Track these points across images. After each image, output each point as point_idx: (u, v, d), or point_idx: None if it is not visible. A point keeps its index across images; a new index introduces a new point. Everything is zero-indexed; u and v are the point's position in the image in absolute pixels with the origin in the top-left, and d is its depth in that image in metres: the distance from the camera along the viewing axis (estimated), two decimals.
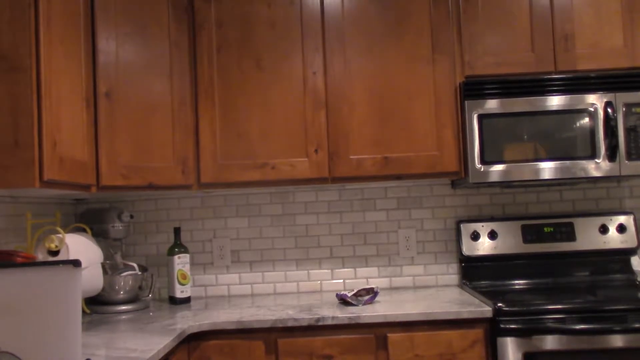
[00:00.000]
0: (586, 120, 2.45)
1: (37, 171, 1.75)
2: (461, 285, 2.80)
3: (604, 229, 2.75)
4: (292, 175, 2.53)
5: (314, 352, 2.21)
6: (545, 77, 2.47)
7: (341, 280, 2.87)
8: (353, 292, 2.47)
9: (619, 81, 2.45)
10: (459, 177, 2.55)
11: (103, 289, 2.41)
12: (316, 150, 2.53)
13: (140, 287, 2.64)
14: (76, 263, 1.41)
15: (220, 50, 2.57)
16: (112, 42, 2.30)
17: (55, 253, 2.12)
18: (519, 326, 2.15)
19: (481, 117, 2.45)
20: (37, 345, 1.35)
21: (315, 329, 2.23)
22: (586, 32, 2.51)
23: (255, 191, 2.87)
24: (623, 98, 2.44)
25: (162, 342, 1.88)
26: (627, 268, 2.74)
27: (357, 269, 2.87)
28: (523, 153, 2.45)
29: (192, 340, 2.20)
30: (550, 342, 2.14)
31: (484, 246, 2.75)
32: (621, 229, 2.74)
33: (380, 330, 2.23)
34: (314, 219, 2.88)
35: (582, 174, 2.44)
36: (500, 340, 2.16)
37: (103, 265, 2.41)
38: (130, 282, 2.54)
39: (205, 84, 2.56)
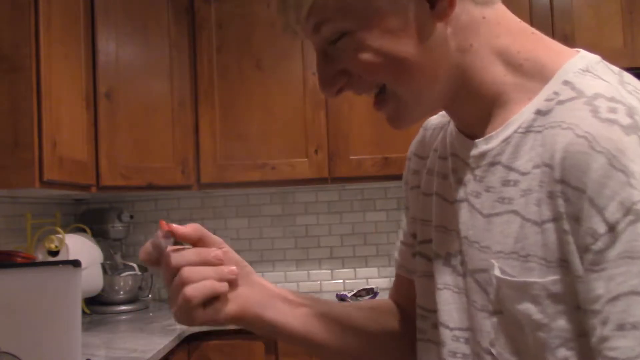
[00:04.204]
0: None
1: (37, 171, 1.75)
2: None
3: None
4: (292, 175, 2.53)
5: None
6: None
7: (341, 281, 2.87)
8: (353, 293, 2.47)
9: None
10: None
11: (103, 289, 2.41)
12: (316, 151, 2.53)
13: (140, 288, 2.63)
14: (76, 263, 1.41)
15: (220, 50, 2.57)
16: (112, 42, 2.30)
17: (55, 253, 2.11)
18: None
19: None
20: (37, 345, 1.35)
21: None
22: (586, 32, 2.50)
23: (255, 191, 2.87)
24: None
25: (162, 342, 1.88)
26: None
27: (357, 269, 2.87)
28: None
29: (192, 340, 2.20)
30: None
31: None
32: None
33: None
34: (314, 219, 2.88)
35: None
36: None
37: (103, 265, 2.41)
38: (130, 283, 2.54)
39: (205, 85, 2.56)
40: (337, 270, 2.87)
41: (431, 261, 0.71)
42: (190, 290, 0.62)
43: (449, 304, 0.66)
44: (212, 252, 0.65)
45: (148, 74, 2.44)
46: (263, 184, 2.56)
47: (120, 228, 2.60)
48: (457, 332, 0.65)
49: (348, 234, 2.88)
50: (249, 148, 2.54)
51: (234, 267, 0.66)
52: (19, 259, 1.84)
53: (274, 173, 2.53)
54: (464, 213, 0.64)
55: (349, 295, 2.45)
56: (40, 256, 2.11)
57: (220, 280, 0.64)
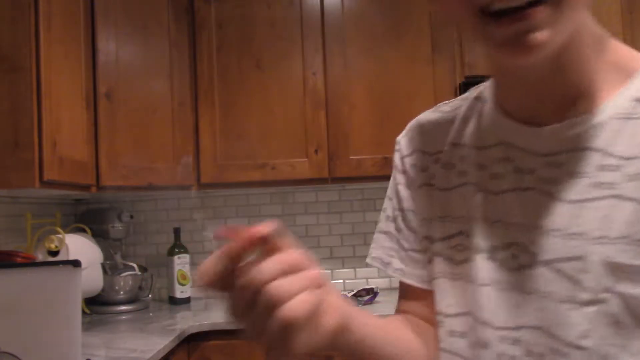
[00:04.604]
0: None
1: (37, 171, 1.75)
2: None
3: None
4: (292, 175, 2.53)
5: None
6: None
7: (341, 281, 2.87)
8: (353, 293, 2.47)
9: None
10: None
11: (103, 289, 2.41)
12: (316, 151, 2.53)
13: (140, 288, 2.63)
14: (76, 263, 1.41)
15: (220, 50, 2.57)
16: (112, 42, 2.30)
17: (55, 253, 2.11)
18: None
19: None
20: (37, 345, 1.35)
21: None
22: None
23: (255, 191, 2.87)
24: None
25: (162, 343, 1.88)
26: None
27: (357, 269, 2.87)
28: None
29: (192, 340, 2.20)
30: None
31: None
32: None
33: None
34: (313, 219, 2.88)
35: None
36: None
37: (103, 266, 2.41)
38: (130, 283, 2.54)
39: (205, 84, 2.56)
40: (337, 270, 2.87)
41: (452, 261, 0.68)
42: (289, 309, 0.49)
43: (492, 301, 0.62)
44: (293, 256, 0.53)
45: (148, 74, 2.45)
46: (263, 184, 2.56)
47: (120, 228, 2.60)
48: (504, 332, 0.61)
49: (348, 234, 2.88)
50: (249, 148, 2.54)
51: (318, 269, 0.53)
52: (19, 259, 1.84)
53: (274, 173, 2.53)
54: (529, 201, 0.61)
55: (349, 295, 2.45)
56: (40, 256, 2.11)
57: (314, 288, 0.51)
